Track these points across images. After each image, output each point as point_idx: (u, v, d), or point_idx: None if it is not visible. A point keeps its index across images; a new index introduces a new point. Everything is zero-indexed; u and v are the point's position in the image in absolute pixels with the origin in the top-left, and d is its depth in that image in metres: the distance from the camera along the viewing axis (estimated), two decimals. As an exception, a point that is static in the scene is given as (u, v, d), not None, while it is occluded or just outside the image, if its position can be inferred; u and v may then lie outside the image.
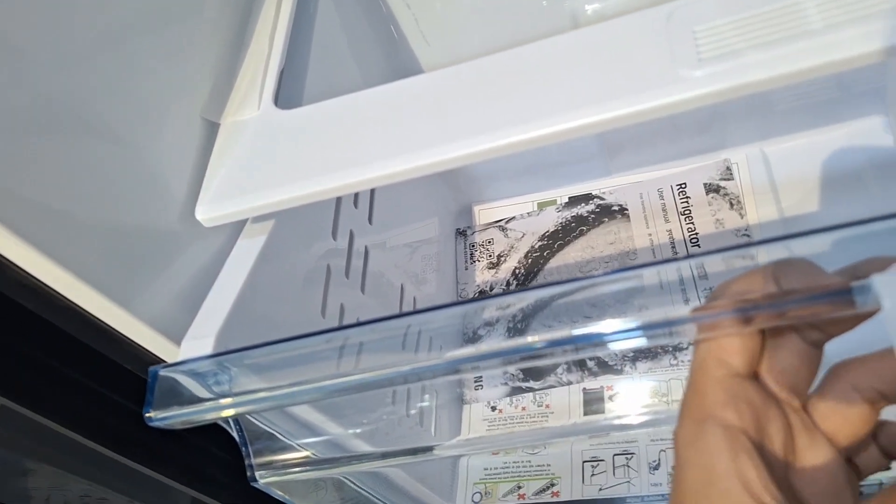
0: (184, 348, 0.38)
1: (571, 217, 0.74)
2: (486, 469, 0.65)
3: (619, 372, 0.64)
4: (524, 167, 0.75)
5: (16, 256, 0.33)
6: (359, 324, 0.34)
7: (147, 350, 0.39)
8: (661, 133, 0.70)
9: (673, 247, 0.68)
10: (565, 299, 0.32)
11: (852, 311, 0.22)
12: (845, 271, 0.24)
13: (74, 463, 0.46)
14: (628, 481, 0.59)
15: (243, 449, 0.39)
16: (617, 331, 0.27)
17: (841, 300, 0.22)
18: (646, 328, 0.26)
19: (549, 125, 0.35)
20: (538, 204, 0.77)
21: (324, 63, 0.53)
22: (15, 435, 0.42)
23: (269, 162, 0.41)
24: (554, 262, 0.72)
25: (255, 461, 0.40)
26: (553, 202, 0.76)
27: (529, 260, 0.74)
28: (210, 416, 0.33)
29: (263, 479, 0.40)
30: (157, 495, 0.52)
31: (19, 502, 0.56)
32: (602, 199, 0.74)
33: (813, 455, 0.25)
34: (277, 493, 0.42)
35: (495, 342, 0.29)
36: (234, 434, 0.39)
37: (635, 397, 0.63)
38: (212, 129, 0.44)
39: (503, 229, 0.77)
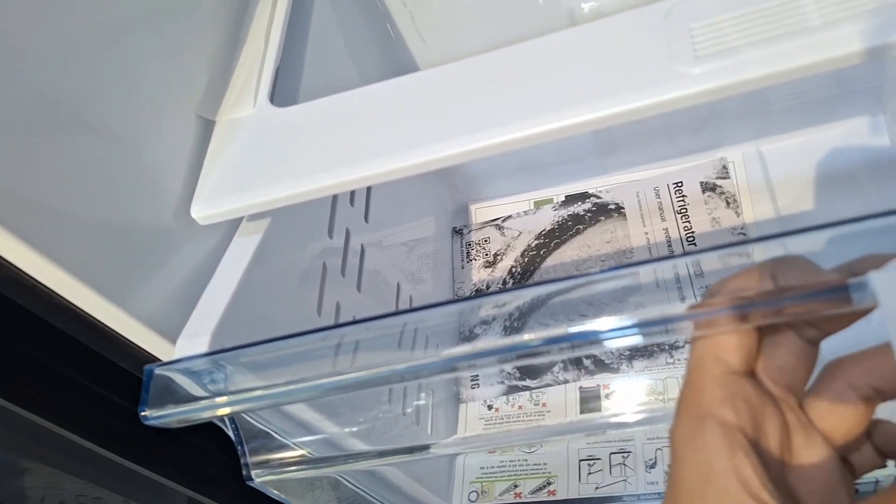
0: (179, 346, 0.37)
1: (568, 216, 0.74)
2: (482, 468, 0.65)
3: (616, 370, 0.64)
4: (521, 166, 0.75)
5: (10, 254, 0.33)
6: (354, 322, 0.34)
7: (142, 349, 0.39)
8: (658, 132, 0.70)
9: (669, 245, 0.68)
10: (561, 297, 0.32)
11: (849, 308, 0.22)
12: (842, 269, 0.24)
13: (70, 462, 0.46)
14: (625, 480, 0.59)
15: (239, 448, 0.39)
16: (613, 328, 0.27)
17: (838, 297, 0.22)
18: (642, 326, 0.26)
19: (546, 122, 0.35)
20: (535, 202, 0.77)
21: (320, 61, 0.53)
22: (9, 434, 0.42)
23: (265, 160, 0.41)
24: (550, 261, 0.72)
25: (251, 460, 0.39)
26: (549, 201, 0.76)
27: (526, 259, 0.74)
28: (206, 415, 0.33)
29: (259, 478, 0.40)
30: (152, 495, 0.51)
31: (14, 502, 0.56)
32: (598, 197, 0.74)
33: (809, 453, 0.25)
34: (273, 493, 0.42)
35: (492, 340, 0.29)
36: (230, 433, 0.39)
37: (632, 396, 0.63)
38: (207, 126, 0.44)
39: (500, 228, 0.77)
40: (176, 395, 0.33)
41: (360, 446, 0.46)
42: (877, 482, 0.42)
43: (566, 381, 0.65)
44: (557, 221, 0.74)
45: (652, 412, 0.37)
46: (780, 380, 0.26)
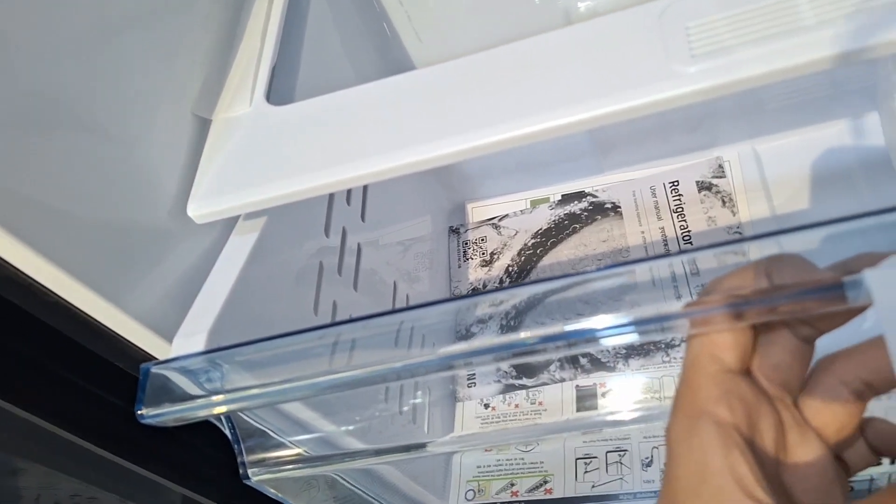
0: (175, 345, 0.37)
1: (564, 215, 0.74)
2: (478, 467, 0.65)
3: (612, 369, 0.64)
4: (517, 165, 0.75)
5: (5, 253, 0.33)
6: (351, 320, 0.34)
7: (138, 347, 0.39)
8: (654, 131, 0.70)
9: (665, 244, 0.69)
10: (558, 296, 0.32)
11: (844, 306, 0.22)
12: (836, 267, 0.24)
13: (65, 462, 0.46)
14: (621, 478, 0.59)
15: (235, 446, 0.39)
16: (609, 326, 0.27)
17: (833, 295, 0.22)
18: (638, 324, 0.26)
19: (542, 121, 0.35)
20: (531, 202, 0.77)
21: (316, 60, 0.53)
22: (4, 433, 0.41)
23: (261, 158, 0.41)
24: (547, 260, 0.72)
25: (247, 458, 0.39)
26: (546, 200, 0.77)
27: (523, 258, 0.74)
28: (202, 413, 0.33)
29: (256, 477, 0.40)
30: (148, 494, 0.51)
31: (9, 502, 0.56)
32: (595, 196, 0.74)
33: (804, 451, 0.25)
34: (270, 491, 0.42)
35: (488, 338, 0.29)
36: (227, 431, 0.39)
37: (628, 394, 0.63)
38: (203, 125, 0.44)
39: (496, 227, 0.77)
40: (172, 394, 0.33)
41: (357, 445, 0.46)
42: (871, 480, 0.43)
43: (563, 380, 0.65)
44: (554, 220, 0.74)
45: (648, 410, 0.37)
46: (775, 378, 0.26)
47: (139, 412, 0.32)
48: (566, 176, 0.76)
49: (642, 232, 0.70)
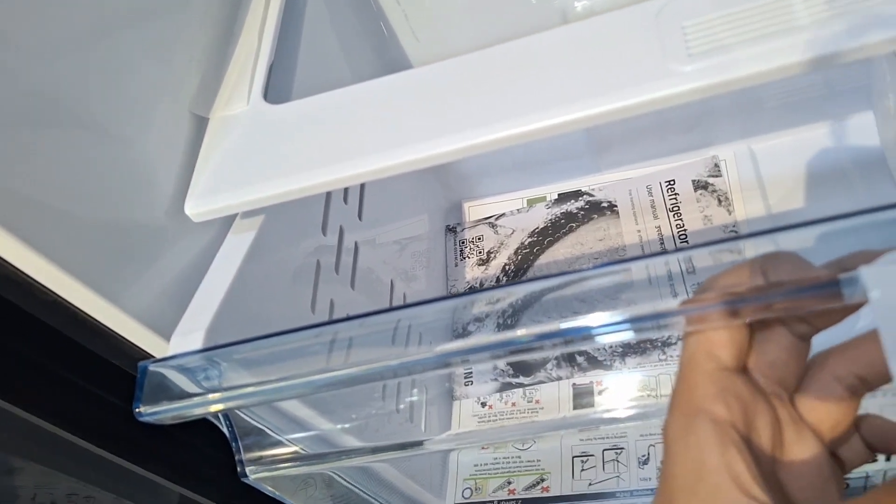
0: (173, 343, 0.37)
1: (561, 214, 0.74)
2: (475, 465, 0.65)
3: (609, 367, 0.64)
4: (514, 164, 0.75)
5: (3, 251, 0.33)
6: (348, 318, 0.34)
7: (136, 345, 0.39)
8: (650, 130, 0.71)
9: (662, 243, 0.69)
10: (554, 294, 0.32)
11: (840, 303, 0.23)
12: (832, 265, 0.24)
13: (62, 460, 0.46)
14: (618, 476, 0.59)
15: (233, 444, 0.39)
16: (605, 324, 0.27)
17: (829, 292, 0.22)
18: (634, 321, 0.26)
19: (539, 120, 0.35)
20: (528, 201, 0.77)
21: (313, 59, 0.53)
22: (1, 432, 0.41)
23: (259, 157, 0.41)
24: (544, 259, 0.72)
25: (245, 456, 0.39)
26: (543, 199, 0.77)
27: (519, 256, 0.74)
28: (199, 411, 0.33)
29: (254, 475, 0.40)
30: (145, 493, 0.51)
31: (5, 501, 0.55)
32: (591, 195, 0.74)
33: (800, 449, 0.25)
34: (268, 489, 0.42)
35: (484, 336, 0.29)
36: (224, 429, 0.39)
37: (625, 392, 0.63)
38: (201, 123, 0.44)
39: (493, 226, 0.77)
40: (170, 392, 0.33)
41: (354, 443, 0.46)
42: (867, 477, 0.43)
43: (559, 378, 0.65)
44: (551, 219, 0.75)
45: (644, 408, 0.37)
46: (771, 375, 0.26)
47: (137, 410, 0.32)
48: (563, 175, 0.76)
49: (638, 231, 0.70)
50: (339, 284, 0.54)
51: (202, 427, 0.46)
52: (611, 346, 0.64)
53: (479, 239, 0.77)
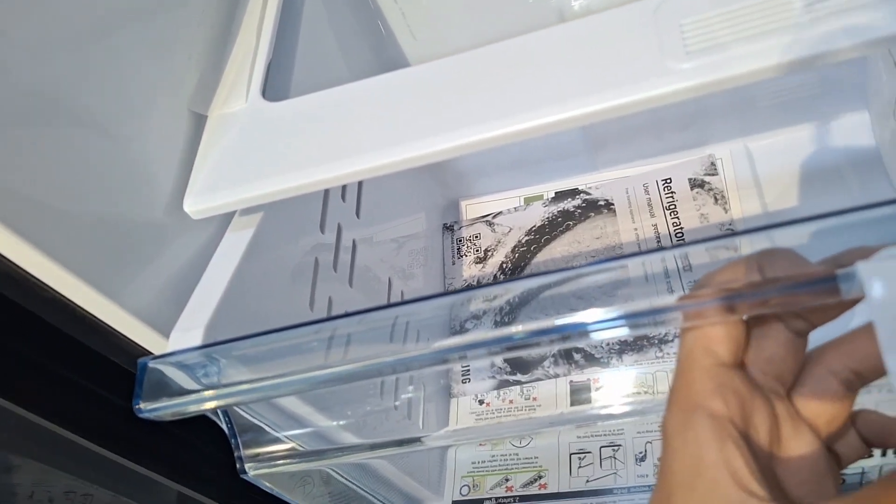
0: (172, 340, 0.37)
1: (558, 212, 0.75)
2: (473, 462, 0.65)
3: (606, 364, 0.64)
4: (511, 162, 0.76)
5: (2, 248, 0.33)
6: (346, 314, 0.34)
7: (135, 342, 0.39)
8: (647, 129, 0.71)
9: (658, 241, 0.69)
10: (551, 291, 0.32)
11: (837, 299, 0.23)
12: (827, 262, 0.25)
13: (60, 458, 0.46)
14: (615, 473, 0.59)
15: (232, 441, 0.39)
16: (601, 320, 0.27)
17: (826, 287, 0.23)
18: (631, 317, 0.26)
19: (537, 117, 0.35)
20: (525, 199, 0.78)
21: (311, 58, 0.53)
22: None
23: (258, 154, 0.41)
24: (541, 257, 0.73)
25: (244, 453, 0.40)
26: (540, 197, 0.77)
27: (516, 254, 0.74)
28: (199, 407, 0.33)
29: (253, 472, 0.40)
30: (143, 490, 0.51)
31: (2, 499, 0.55)
32: (588, 194, 0.75)
33: (796, 444, 0.25)
34: (266, 486, 0.42)
35: (480, 333, 0.29)
36: (224, 426, 0.39)
37: (621, 389, 0.63)
38: (199, 121, 0.44)
39: (490, 224, 0.77)
40: (169, 389, 0.33)
41: (353, 440, 0.46)
42: (863, 473, 0.43)
43: (557, 376, 0.65)
44: (547, 218, 0.75)
45: (641, 404, 0.37)
46: (768, 371, 0.26)
47: (137, 406, 0.32)
48: (560, 173, 0.76)
49: (635, 229, 0.70)
50: (337, 282, 0.54)
51: (201, 425, 0.46)
52: (608, 344, 0.64)
53: (477, 237, 0.77)
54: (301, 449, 0.42)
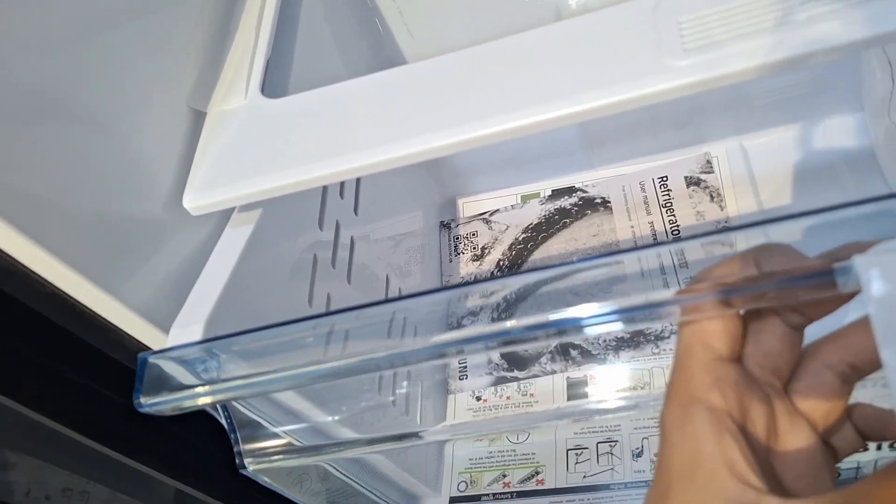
0: (172, 335, 0.37)
1: (555, 210, 0.75)
2: (470, 459, 0.65)
3: (603, 361, 0.64)
4: (508, 160, 0.76)
5: (2, 243, 0.33)
6: (344, 309, 0.34)
7: (134, 338, 0.39)
8: (643, 127, 0.71)
9: (655, 239, 0.69)
10: (548, 287, 0.32)
11: (834, 293, 0.23)
12: (823, 256, 0.25)
13: (57, 455, 0.46)
14: (612, 468, 0.60)
15: (232, 436, 0.39)
16: (600, 314, 0.27)
17: (823, 281, 0.23)
18: (628, 311, 0.27)
19: (535, 114, 0.35)
20: (522, 197, 0.78)
21: (309, 56, 0.53)
22: (-2, 427, 0.41)
23: (257, 150, 0.41)
24: (538, 254, 0.73)
25: (243, 448, 0.40)
26: (536, 195, 0.77)
27: (513, 252, 0.74)
28: (199, 402, 0.33)
29: (252, 467, 0.40)
30: (140, 487, 0.51)
31: (-2, 496, 0.55)
32: (585, 192, 0.75)
33: (793, 438, 0.26)
34: (265, 481, 0.43)
35: (477, 328, 0.29)
36: (223, 421, 0.39)
37: (618, 385, 0.63)
38: (198, 117, 0.44)
39: (487, 222, 0.77)
40: (169, 384, 0.33)
41: (351, 435, 0.46)
42: (858, 468, 0.43)
43: (554, 372, 0.65)
44: (544, 215, 0.75)
45: (638, 398, 0.37)
46: (765, 365, 0.26)
47: (138, 401, 0.33)
48: (556, 171, 0.76)
49: (632, 226, 0.71)
50: (335, 279, 0.54)
51: (198, 422, 0.46)
52: (604, 341, 0.65)
53: (474, 235, 0.77)
54: (300, 444, 0.42)
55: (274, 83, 0.47)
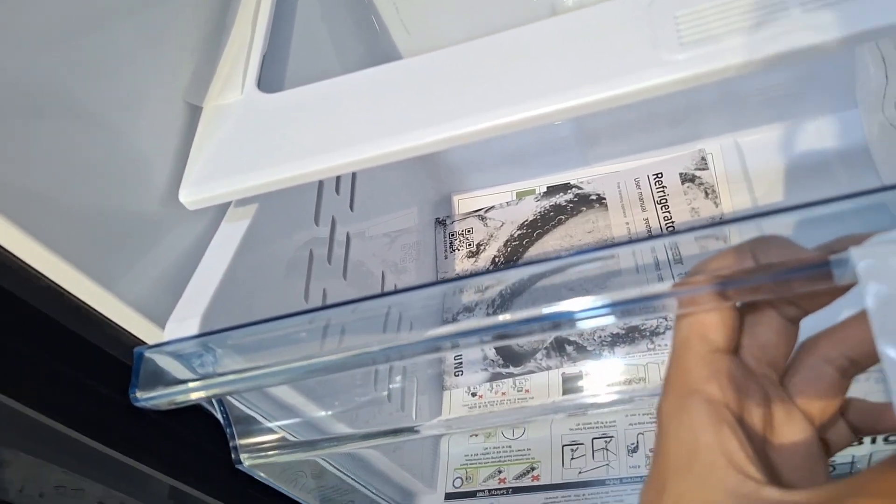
0: (168, 330, 0.37)
1: (550, 206, 0.75)
2: (466, 455, 0.65)
3: (598, 356, 0.64)
4: (503, 157, 0.76)
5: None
6: (341, 303, 0.34)
7: (130, 333, 0.39)
8: (638, 124, 0.71)
9: (650, 235, 0.69)
10: (543, 282, 0.32)
11: (830, 285, 0.23)
12: (821, 248, 0.25)
13: (51, 451, 0.46)
14: (607, 464, 0.60)
15: (228, 431, 0.39)
16: (595, 307, 0.27)
17: (820, 273, 0.23)
18: (624, 304, 0.26)
19: (532, 108, 0.35)
20: (517, 193, 0.78)
21: (305, 51, 0.53)
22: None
23: (253, 145, 0.41)
24: (533, 251, 0.73)
25: (239, 443, 0.40)
26: (532, 192, 0.77)
27: (509, 248, 0.74)
28: (195, 396, 0.33)
29: (248, 462, 0.40)
30: (135, 484, 0.51)
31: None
32: (580, 188, 0.75)
33: (790, 430, 0.26)
34: (261, 476, 0.42)
35: (471, 322, 0.29)
36: (219, 416, 0.39)
37: (614, 380, 0.64)
38: (195, 112, 0.44)
39: (482, 218, 0.77)
40: (165, 378, 0.33)
41: (346, 430, 0.46)
42: (852, 462, 0.43)
43: (549, 368, 0.65)
44: (540, 212, 0.75)
45: (633, 392, 0.37)
46: (762, 357, 0.26)
47: (133, 395, 0.32)
48: (552, 168, 0.76)
49: (627, 223, 0.71)
50: (331, 275, 0.54)
51: (194, 418, 0.46)
52: (600, 336, 0.65)
53: (469, 231, 0.77)
54: (296, 439, 0.42)
55: (270, 78, 0.47)
